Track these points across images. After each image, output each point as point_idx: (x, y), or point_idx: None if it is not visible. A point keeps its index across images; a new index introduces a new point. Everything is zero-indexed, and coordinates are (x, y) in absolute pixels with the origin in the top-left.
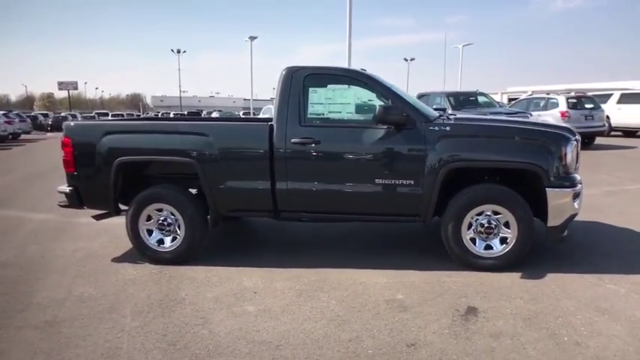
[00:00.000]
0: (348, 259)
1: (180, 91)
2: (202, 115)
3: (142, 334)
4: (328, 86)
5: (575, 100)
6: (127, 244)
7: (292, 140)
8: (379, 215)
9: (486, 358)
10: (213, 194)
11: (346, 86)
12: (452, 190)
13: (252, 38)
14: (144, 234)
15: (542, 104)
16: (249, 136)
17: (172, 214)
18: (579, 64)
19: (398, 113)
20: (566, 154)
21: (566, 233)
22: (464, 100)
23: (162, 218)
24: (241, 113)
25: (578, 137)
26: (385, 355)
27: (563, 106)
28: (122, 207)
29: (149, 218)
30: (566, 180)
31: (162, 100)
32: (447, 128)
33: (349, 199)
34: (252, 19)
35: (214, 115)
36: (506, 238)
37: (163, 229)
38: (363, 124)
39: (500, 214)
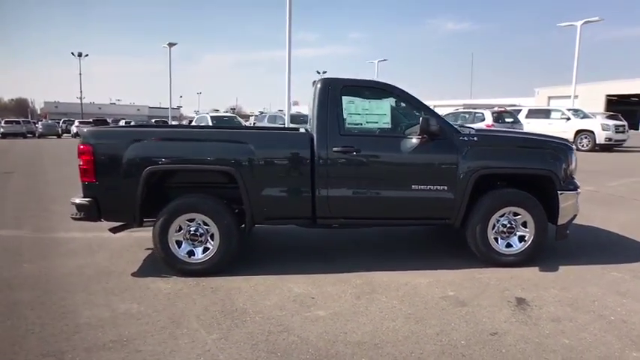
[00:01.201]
0: (376, 262)
1: (81, 97)
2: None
3: (230, 345)
4: (364, 97)
5: (497, 115)
6: (134, 258)
7: (334, 149)
8: (412, 219)
9: (563, 339)
10: (252, 202)
11: (381, 98)
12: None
13: (172, 45)
14: (173, 246)
15: (468, 117)
16: (290, 144)
17: (205, 224)
18: (472, 81)
19: (437, 124)
20: (571, 162)
21: (568, 231)
22: None
23: (193, 229)
24: (153, 121)
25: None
26: (478, 344)
27: (489, 120)
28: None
29: (179, 229)
30: (571, 184)
31: (56, 107)
32: (475, 139)
33: (386, 204)
34: (152, 26)
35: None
36: (524, 237)
37: (195, 240)
38: (399, 133)
39: (519, 215)
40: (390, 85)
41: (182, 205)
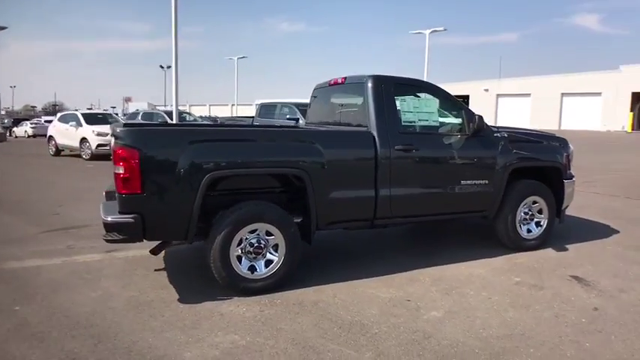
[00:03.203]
0: (419, 258)
1: None
2: None
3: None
4: (413, 96)
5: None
6: (155, 283)
7: (396, 147)
8: (458, 213)
9: None
10: (318, 206)
11: (429, 96)
12: None
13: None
14: (235, 262)
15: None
16: (356, 143)
17: (268, 235)
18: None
19: (484, 121)
20: (570, 155)
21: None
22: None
23: (254, 240)
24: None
25: None
26: (599, 320)
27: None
28: None
29: (239, 242)
30: (570, 174)
31: None
32: (505, 135)
33: (440, 201)
34: None
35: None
36: (539, 222)
37: (258, 254)
38: (448, 131)
39: (537, 203)
40: (432, 83)
41: (247, 214)
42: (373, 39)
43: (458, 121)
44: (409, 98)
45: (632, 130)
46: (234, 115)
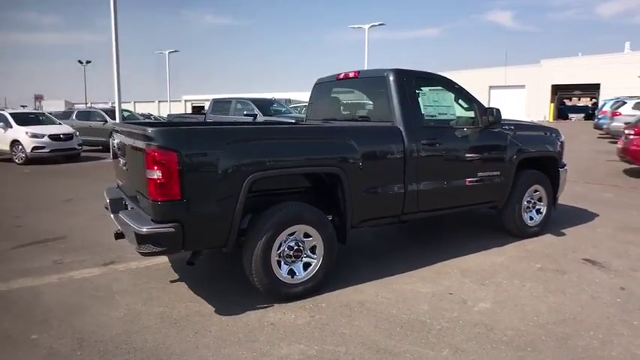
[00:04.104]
0: (431, 252)
1: None
2: None
3: (490, 354)
4: (430, 89)
5: None
6: (176, 296)
7: (422, 141)
8: (473, 205)
9: None
10: (354, 204)
11: (443, 89)
12: None
13: None
14: (276, 267)
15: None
16: (387, 138)
17: (306, 236)
18: (241, 75)
19: (501, 114)
20: (562, 144)
21: None
22: (265, 106)
23: (292, 244)
24: None
25: None
26: (632, 296)
27: None
28: None
29: (278, 246)
30: (563, 163)
31: None
32: (512, 127)
33: (459, 193)
34: None
35: None
36: (540, 210)
37: (297, 257)
38: (464, 124)
39: (538, 191)
40: (448, 78)
41: (287, 216)
42: (300, 34)
43: (471, 114)
44: (428, 91)
45: (553, 120)
46: (169, 112)
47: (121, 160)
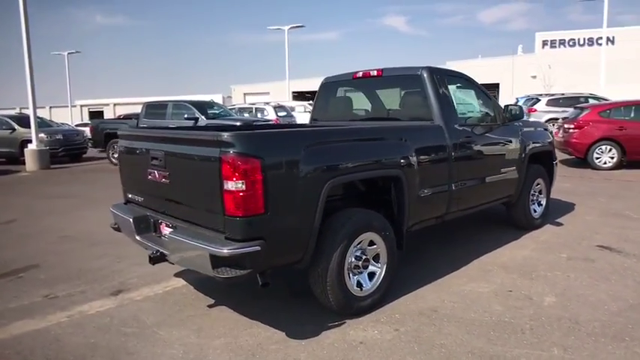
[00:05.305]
0: (465, 248)
1: None
2: None
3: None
4: (456, 87)
5: (277, 108)
6: (233, 320)
7: (460, 139)
8: (495, 200)
9: None
10: (411, 207)
11: (464, 87)
12: None
13: None
14: (348, 280)
15: (252, 111)
16: (434, 138)
17: (371, 244)
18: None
19: (524, 111)
20: (552, 139)
21: None
22: (204, 109)
23: (358, 253)
24: None
25: None
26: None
27: (272, 115)
28: None
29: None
30: (555, 156)
31: None
32: (521, 123)
33: (488, 189)
34: None
35: None
36: (540, 202)
37: (365, 267)
38: (488, 120)
39: (539, 184)
40: (467, 75)
41: (358, 224)
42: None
43: (490, 110)
44: (456, 90)
45: None
46: (70, 119)
47: (154, 172)
